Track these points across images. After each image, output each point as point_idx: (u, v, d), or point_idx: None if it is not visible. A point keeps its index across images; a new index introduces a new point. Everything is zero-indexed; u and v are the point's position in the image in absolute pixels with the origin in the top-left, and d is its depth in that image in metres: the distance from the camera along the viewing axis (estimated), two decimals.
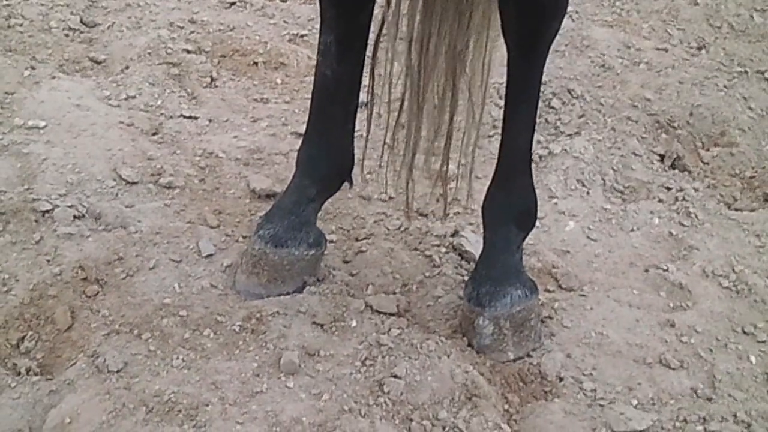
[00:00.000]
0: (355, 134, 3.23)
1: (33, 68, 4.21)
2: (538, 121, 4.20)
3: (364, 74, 3.08)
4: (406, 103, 3.14)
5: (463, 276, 3.34)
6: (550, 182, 3.90)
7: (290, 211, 3.14)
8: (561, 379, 2.95)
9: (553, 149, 4.08)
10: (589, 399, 2.88)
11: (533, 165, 3.87)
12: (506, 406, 2.86)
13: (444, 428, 2.70)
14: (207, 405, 2.68)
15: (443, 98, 3.08)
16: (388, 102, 3.24)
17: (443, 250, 3.48)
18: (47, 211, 3.33)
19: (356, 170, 3.33)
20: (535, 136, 4.06)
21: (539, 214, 3.47)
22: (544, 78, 4.42)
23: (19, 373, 2.80)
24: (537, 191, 3.64)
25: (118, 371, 2.77)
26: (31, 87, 4.06)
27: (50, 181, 3.48)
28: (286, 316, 3.02)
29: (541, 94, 4.32)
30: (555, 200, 3.82)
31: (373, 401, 2.76)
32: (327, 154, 3.12)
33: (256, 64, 4.64)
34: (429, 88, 3.04)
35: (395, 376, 2.82)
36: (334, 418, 2.69)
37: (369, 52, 3.08)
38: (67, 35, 4.62)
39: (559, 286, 3.36)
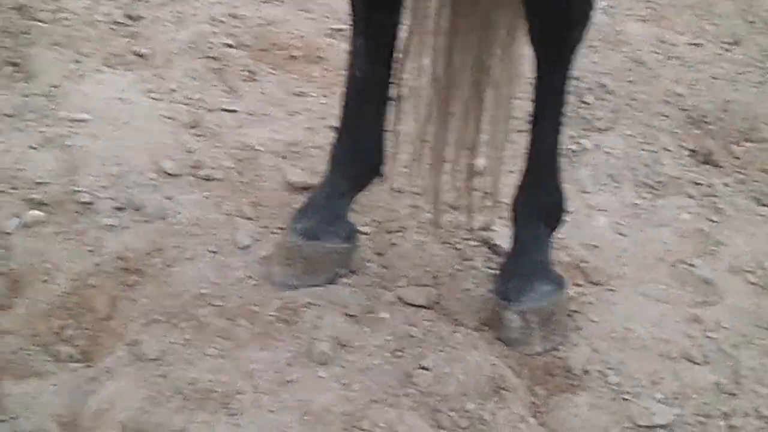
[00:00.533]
0: (390, 127, 3.25)
1: (78, 62, 4.27)
2: (571, 115, 4.21)
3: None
4: (432, 114, 3.15)
5: (492, 269, 3.35)
6: (581, 177, 3.90)
7: (323, 205, 3.18)
8: (587, 373, 2.96)
9: (585, 144, 4.08)
10: (614, 393, 2.89)
11: (565, 160, 3.90)
12: (532, 399, 2.87)
13: (471, 420, 2.72)
14: (241, 393, 2.72)
15: (468, 111, 3.08)
16: (420, 97, 3.26)
17: (474, 243, 3.49)
18: (89, 203, 3.39)
19: (389, 163, 3.35)
20: (568, 131, 4.09)
21: (569, 209, 3.47)
22: (578, 73, 4.44)
23: (61, 360, 2.85)
24: (568, 186, 3.64)
25: (155, 359, 2.81)
26: (76, 80, 4.12)
27: (93, 173, 3.54)
28: (318, 307, 3.05)
29: (574, 89, 4.36)
30: (585, 195, 3.82)
31: (402, 392, 2.79)
32: (358, 152, 3.16)
33: (294, 58, 4.66)
34: (454, 102, 3.05)
35: (424, 368, 2.84)
36: (363, 408, 2.72)
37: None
38: (111, 29, 4.67)
39: (588, 281, 3.36)
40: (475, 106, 3.07)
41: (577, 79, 4.45)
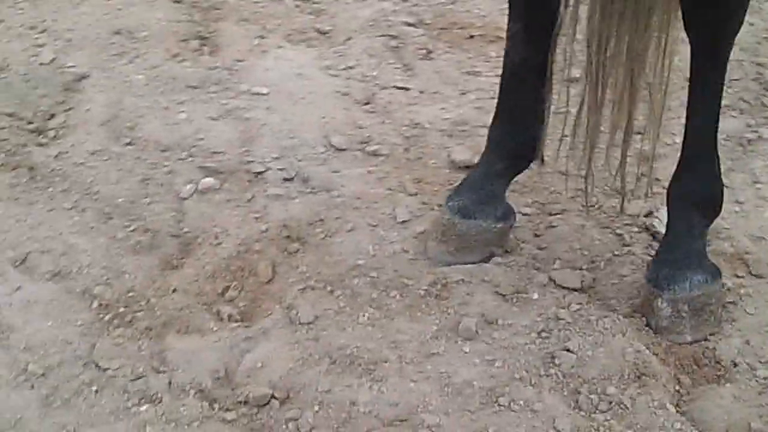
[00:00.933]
0: (551, 110, 3.30)
1: (262, 37, 4.52)
2: (751, 103, 4.14)
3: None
4: (587, 100, 3.17)
5: (651, 256, 3.35)
6: (756, 167, 3.81)
7: (479, 184, 3.27)
8: (735, 365, 2.93)
9: (763, 134, 3.98)
10: (761, 386, 2.84)
11: (739, 149, 3.85)
12: (677, 387, 2.87)
13: (610, 403, 2.75)
14: (386, 361, 2.86)
15: (623, 98, 3.08)
16: (576, 82, 3.29)
17: (635, 229, 3.49)
18: (260, 173, 3.62)
19: (556, 145, 3.40)
20: (746, 119, 4.02)
21: (740, 199, 3.44)
22: (764, 59, 4.35)
23: (222, 319, 3.07)
24: (740, 175, 3.61)
25: (308, 323, 2.99)
26: (259, 55, 4.37)
27: (266, 144, 3.76)
28: (470, 284, 3.15)
29: (758, 76, 4.27)
30: (758, 185, 3.73)
31: (544, 372, 2.85)
32: (514, 134, 3.22)
33: (472, 37, 4.74)
34: (609, 88, 3.06)
35: (568, 350, 2.89)
36: (503, 385, 2.80)
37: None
38: (297, 6, 4.89)
39: (749, 273, 3.31)
40: (629, 94, 3.07)
41: (761, 66, 4.36)
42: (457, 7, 4.94)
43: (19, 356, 2.88)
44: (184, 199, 3.51)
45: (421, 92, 4.28)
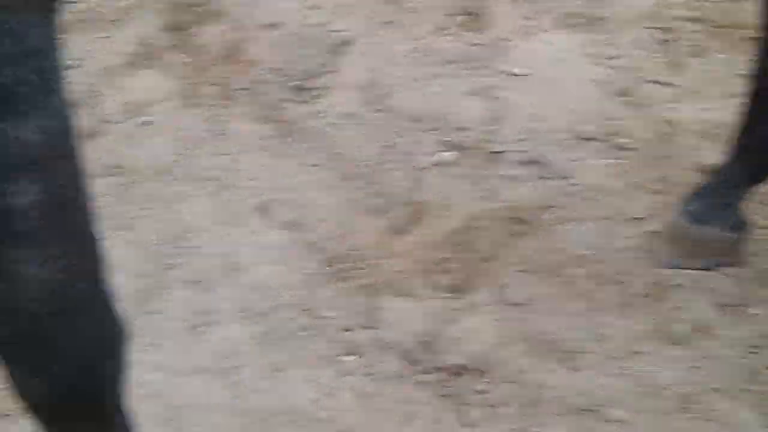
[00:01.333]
0: None
1: (531, 18, 4.73)
2: None
3: None
4: None
5: None
6: None
7: (715, 191, 3.37)
8: None
9: None
10: None
11: None
12: None
13: None
14: (584, 353, 3.07)
15: None
16: None
17: None
18: (499, 152, 3.87)
19: None
20: None
21: None
22: None
23: (435, 288, 3.36)
24: None
25: (516, 305, 3.23)
26: (523, 36, 4.58)
27: (511, 126, 4.00)
28: (689, 290, 3.28)
29: None
30: None
31: (746, 387, 2.96)
32: (754, 142, 3.29)
33: (752, 39, 4.77)
34: None
35: None
36: (700, 393, 2.94)
37: None
38: None
39: None
40: None
41: None
42: (743, 6, 4.96)
43: (245, 294, 3.31)
44: (422, 169, 3.82)
45: (684, 90, 4.36)
